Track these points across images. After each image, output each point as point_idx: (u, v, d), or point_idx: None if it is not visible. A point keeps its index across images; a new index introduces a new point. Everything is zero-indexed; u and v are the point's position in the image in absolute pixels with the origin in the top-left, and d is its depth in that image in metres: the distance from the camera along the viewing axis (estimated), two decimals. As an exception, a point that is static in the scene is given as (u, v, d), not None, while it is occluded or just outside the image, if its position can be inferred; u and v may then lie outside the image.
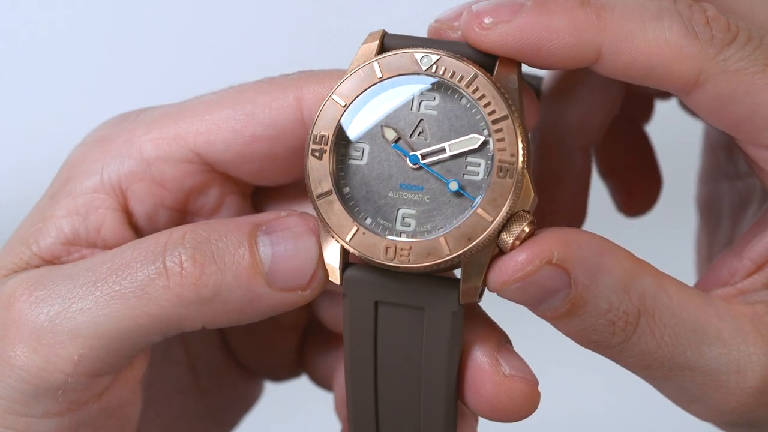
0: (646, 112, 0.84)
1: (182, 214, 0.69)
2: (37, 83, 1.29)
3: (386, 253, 0.62)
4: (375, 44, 0.64)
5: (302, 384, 0.83)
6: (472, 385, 0.64)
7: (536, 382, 0.64)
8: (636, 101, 0.81)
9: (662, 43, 0.62)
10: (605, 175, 0.84)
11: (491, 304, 0.65)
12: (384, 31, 0.64)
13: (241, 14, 1.32)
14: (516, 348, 0.66)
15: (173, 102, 0.69)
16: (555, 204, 0.78)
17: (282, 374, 0.82)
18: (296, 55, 1.26)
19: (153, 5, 1.30)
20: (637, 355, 0.63)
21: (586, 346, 0.64)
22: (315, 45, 1.28)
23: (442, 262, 0.61)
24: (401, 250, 0.61)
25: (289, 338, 0.80)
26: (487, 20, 0.62)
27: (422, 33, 0.66)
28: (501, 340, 0.65)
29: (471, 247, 0.61)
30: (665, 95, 0.82)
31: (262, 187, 0.71)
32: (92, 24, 1.29)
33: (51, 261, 0.67)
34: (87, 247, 0.67)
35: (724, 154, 0.81)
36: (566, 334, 0.64)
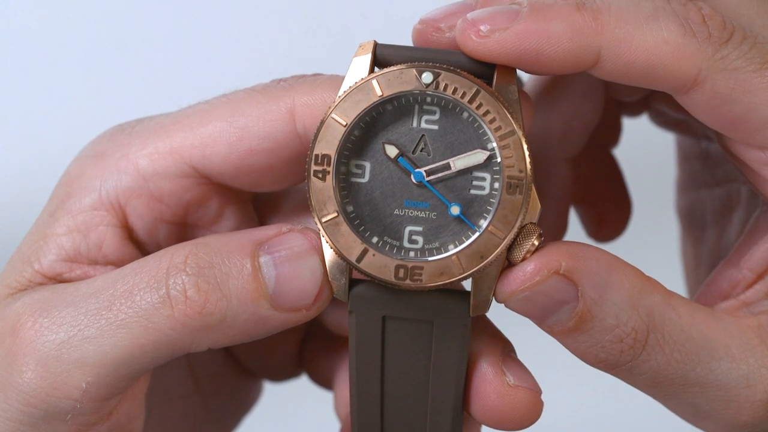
0: (614, 136, 0.83)
1: (182, 227, 0.69)
2: (36, 88, 1.29)
3: (398, 274, 0.61)
4: (368, 56, 0.62)
5: (301, 383, 0.82)
6: (476, 395, 0.64)
7: (540, 392, 0.64)
8: (604, 125, 0.80)
9: (661, 43, 0.61)
10: (575, 201, 0.83)
11: (496, 310, 0.64)
12: (375, 41, 0.63)
13: (238, 11, 1.31)
14: (519, 354, 0.66)
15: (172, 101, 0.68)
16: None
17: (282, 375, 0.81)
18: (291, 53, 1.26)
19: (151, 7, 1.29)
20: (648, 372, 0.63)
21: (595, 366, 0.64)
22: (308, 40, 1.28)
23: (454, 279, 0.61)
24: (414, 270, 0.61)
25: (290, 340, 0.79)
26: (483, 28, 0.61)
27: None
28: (506, 350, 0.65)
29: (483, 265, 0.61)
30: (634, 112, 0.81)
31: (267, 193, 0.71)
32: (89, 28, 1.29)
33: (53, 278, 0.66)
34: (89, 264, 0.66)
35: (699, 164, 0.81)
36: (575, 352, 0.63)
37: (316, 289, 0.63)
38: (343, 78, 0.64)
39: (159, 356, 0.63)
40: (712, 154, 0.79)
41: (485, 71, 0.62)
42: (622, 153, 0.84)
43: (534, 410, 0.64)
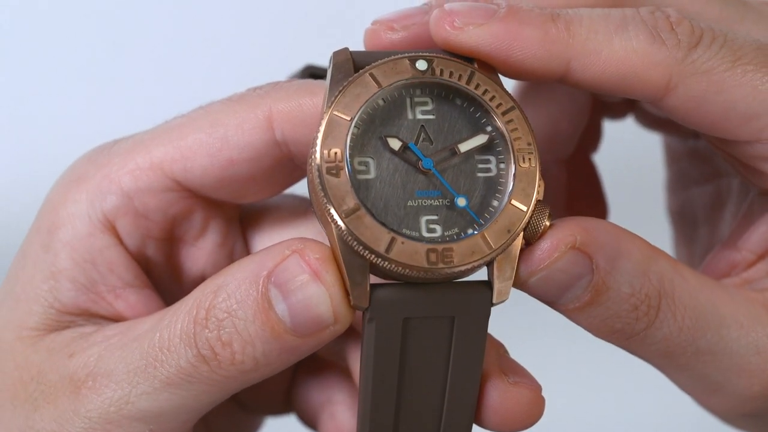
0: (594, 142, 0.83)
1: (168, 242, 0.68)
2: (30, 92, 1.29)
3: (430, 259, 0.59)
4: (349, 61, 0.61)
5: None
6: (478, 397, 0.63)
7: (540, 388, 0.63)
8: (584, 130, 0.80)
9: (630, 53, 0.61)
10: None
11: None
12: (348, 48, 0.62)
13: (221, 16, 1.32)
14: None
15: (168, 102, 0.68)
16: None
17: (276, 410, 0.80)
18: (273, 57, 1.26)
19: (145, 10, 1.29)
20: (660, 341, 0.62)
21: (608, 338, 0.63)
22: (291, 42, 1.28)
23: (485, 257, 0.59)
24: (445, 252, 0.59)
25: (280, 377, 0.78)
26: (458, 20, 0.61)
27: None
28: (500, 350, 0.65)
29: (511, 237, 0.60)
30: (619, 114, 0.81)
31: (249, 208, 0.70)
32: (84, 31, 1.29)
33: (80, 314, 0.66)
34: (108, 291, 0.66)
35: (687, 162, 0.81)
36: (588, 327, 0.62)
37: (329, 311, 0.60)
38: (317, 81, 0.63)
39: (214, 400, 0.63)
40: (699, 151, 0.79)
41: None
42: (609, 159, 0.83)
43: (537, 406, 0.63)
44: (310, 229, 0.68)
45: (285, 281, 0.60)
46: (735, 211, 0.76)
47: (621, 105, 0.80)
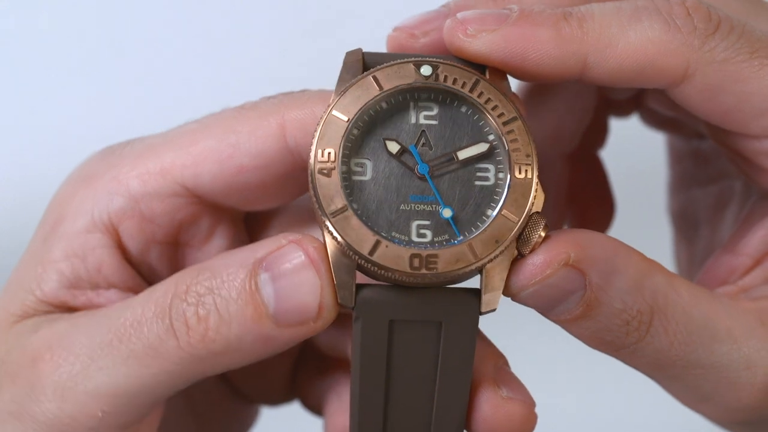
0: (601, 138, 0.83)
1: (174, 246, 0.68)
2: (34, 94, 1.29)
3: (413, 264, 0.59)
4: (359, 62, 0.62)
5: (298, 407, 0.81)
6: (470, 407, 0.63)
7: (533, 404, 0.63)
8: (591, 126, 0.80)
9: (646, 43, 0.61)
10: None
11: (489, 318, 0.63)
12: (361, 49, 0.63)
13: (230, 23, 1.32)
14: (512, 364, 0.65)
15: (171, 105, 0.68)
16: None
17: (276, 399, 0.80)
18: (281, 67, 1.26)
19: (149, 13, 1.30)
20: (651, 354, 0.62)
21: (598, 348, 0.63)
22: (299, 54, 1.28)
23: (471, 266, 0.59)
24: (429, 258, 0.59)
25: (283, 364, 0.78)
26: (471, 28, 0.61)
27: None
28: (499, 362, 0.64)
29: (499, 250, 0.60)
30: (625, 112, 0.81)
31: (255, 212, 0.70)
32: (86, 33, 1.29)
33: (58, 306, 0.65)
34: (91, 288, 0.66)
35: (691, 163, 0.80)
36: (579, 337, 0.62)
37: (316, 301, 0.60)
38: (330, 91, 0.63)
39: (173, 384, 0.62)
40: (703, 152, 0.79)
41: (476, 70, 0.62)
42: (612, 158, 0.83)
43: (528, 422, 0.63)
44: (316, 234, 0.69)
45: (278, 264, 0.60)
46: (737, 213, 0.76)
47: (627, 103, 0.80)
